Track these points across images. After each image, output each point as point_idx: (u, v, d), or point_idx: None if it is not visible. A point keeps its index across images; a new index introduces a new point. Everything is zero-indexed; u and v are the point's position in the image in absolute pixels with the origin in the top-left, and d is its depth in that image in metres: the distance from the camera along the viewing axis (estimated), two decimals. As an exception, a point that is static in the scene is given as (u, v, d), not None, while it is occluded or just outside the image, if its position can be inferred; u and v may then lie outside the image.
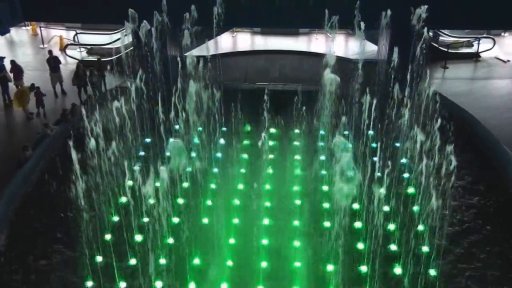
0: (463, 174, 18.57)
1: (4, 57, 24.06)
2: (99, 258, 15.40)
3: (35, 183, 18.32)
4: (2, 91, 23.56)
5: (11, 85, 23.53)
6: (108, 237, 16.24)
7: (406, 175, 18.73)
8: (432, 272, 14.90)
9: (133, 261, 15.33)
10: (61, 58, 26.30)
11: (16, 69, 23.81)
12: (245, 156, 19.76)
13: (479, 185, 18.47)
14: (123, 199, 17.81)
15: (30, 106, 22.43)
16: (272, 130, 20.61)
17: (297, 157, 19.57)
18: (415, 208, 17.22)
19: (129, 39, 26.78)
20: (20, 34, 31.86)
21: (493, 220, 16.88)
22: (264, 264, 15.07)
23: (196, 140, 19.12)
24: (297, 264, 15.11)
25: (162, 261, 15.05)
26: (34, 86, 22.32)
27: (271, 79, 26.07)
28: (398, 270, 14.98)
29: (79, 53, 28.68)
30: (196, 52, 28.35)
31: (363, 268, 15.01)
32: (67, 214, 16.89)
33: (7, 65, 23.88)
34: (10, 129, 22.15)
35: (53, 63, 24.46)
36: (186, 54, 28.14)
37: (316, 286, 14.53)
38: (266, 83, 25.31)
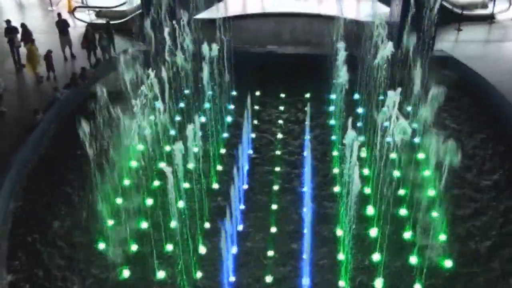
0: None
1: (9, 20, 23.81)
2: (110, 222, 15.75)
3: (46, 146, 18.65)
4: (12, 55, 23.47)
5: (22, 50, 23.35)
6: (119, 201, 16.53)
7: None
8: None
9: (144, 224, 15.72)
10: (70, 21, 25.97)
11: (27, 32, 23.57)
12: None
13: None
14: (133, 163, 17.99)
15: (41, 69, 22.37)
16: None
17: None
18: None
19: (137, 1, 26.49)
20: (28, -5, 31.53)
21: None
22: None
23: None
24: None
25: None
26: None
27: (282, 42, 25.74)
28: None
29: (87, 16, 28.38)
30: (205, 14, 28.13)
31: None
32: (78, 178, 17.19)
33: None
34: (21, 93, 22.17)
35: (62, 26, 24.15)
36: (195, 17, 27.95)
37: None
38: (276, 46, 25.05)
